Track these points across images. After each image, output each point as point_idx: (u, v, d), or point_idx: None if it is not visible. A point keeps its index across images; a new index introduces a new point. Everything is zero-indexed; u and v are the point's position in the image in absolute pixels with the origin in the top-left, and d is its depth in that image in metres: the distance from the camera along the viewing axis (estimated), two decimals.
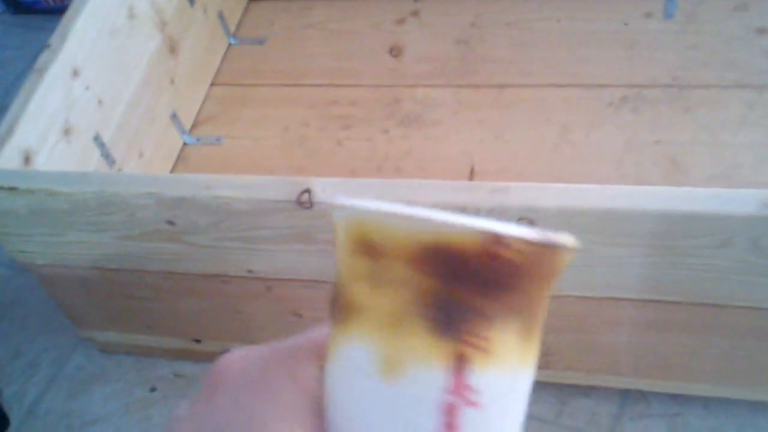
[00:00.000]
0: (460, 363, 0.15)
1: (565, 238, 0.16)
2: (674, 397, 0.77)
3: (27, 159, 0.75)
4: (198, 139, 1.04)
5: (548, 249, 0.15)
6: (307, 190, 0.63)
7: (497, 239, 0.15)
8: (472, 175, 0.93)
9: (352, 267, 0.17)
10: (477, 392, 0.16)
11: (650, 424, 0.76)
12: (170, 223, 0.67)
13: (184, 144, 1.04)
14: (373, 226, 0.16)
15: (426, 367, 0.16)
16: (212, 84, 1.11)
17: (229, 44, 1.16)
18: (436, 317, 0.15)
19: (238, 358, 0.19)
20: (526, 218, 0.61)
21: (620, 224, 0.58)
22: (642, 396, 0.78)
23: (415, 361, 0.16)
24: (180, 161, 1.03)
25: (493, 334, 0.16)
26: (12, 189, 0.68)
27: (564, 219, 0.59)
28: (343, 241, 0.17)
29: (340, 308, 0.17)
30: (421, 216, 0.15)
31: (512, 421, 0.17)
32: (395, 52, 1.10)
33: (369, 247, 0.16)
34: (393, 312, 0.16)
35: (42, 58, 0.80)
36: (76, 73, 0.83)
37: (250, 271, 0.71)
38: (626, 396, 0.78)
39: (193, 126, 1.06)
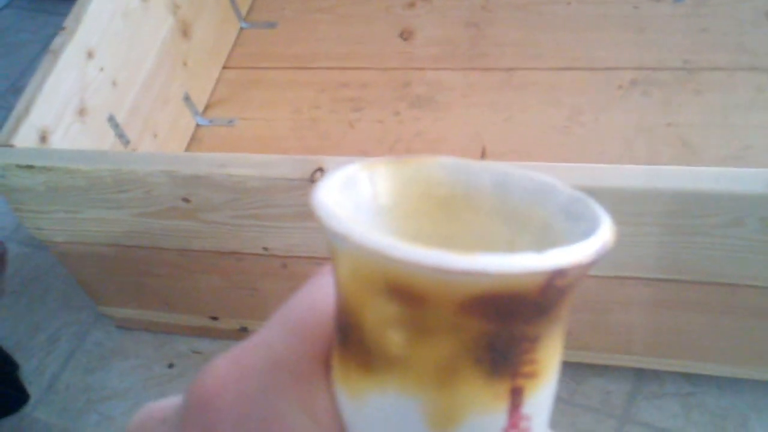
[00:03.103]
0: (515, 397, 0.14)
1: (610, 232, 0.14)
2: (688, 377, 0.77)
3: (43, 138, 0.76)
4: (211, 121, 1.05)
5: (602, 257, 0.14)
6: (320, 169, 0.64)
7: (561, 273, 0.13)
8: (483, 156, 0.94)
9: (380, 312, 0.14)
10: (529, 418, 0.14)
11: (664, 404, 0.77)
12: (186, 200, 0.68)
13: (197, 125, 1.05)
14: (408, 273, 0.13)
15: (484, 413, 0.14)
16: (224, 67, 1.12)
17: (241, 28, 1.17)
18: (490, 359, 0.14)
19: (231, 380, 0.15)
20: None
21: (632, 204, 0.59)
22: (656, 375, 0.78)
23: (471, 410, 0.14)
24: (193, 142, 1.03)
25: (540, 355, 0.14)
26: (29, 167, 0.69)
27: None
28: (359, 279, 0.14)
29: (364, 352, 0.14)
30: (472, 268, 0.12)
31: (546, 423, 0.16)
32: (406, 35, 1.10)
33: (403, 293, 0.13)
34: (442, 362, 0.14)
35: (57, 40, 0.80)
36: (90, 55, 0.83)
37: (265, 249, 0.72)
38: (640, 375, 0.79)
39: (206, 108, 1.07)
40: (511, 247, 0.17)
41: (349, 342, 0.15)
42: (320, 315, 0.16)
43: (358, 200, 0.16)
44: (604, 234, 0.14)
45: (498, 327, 0.13)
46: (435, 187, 0.17)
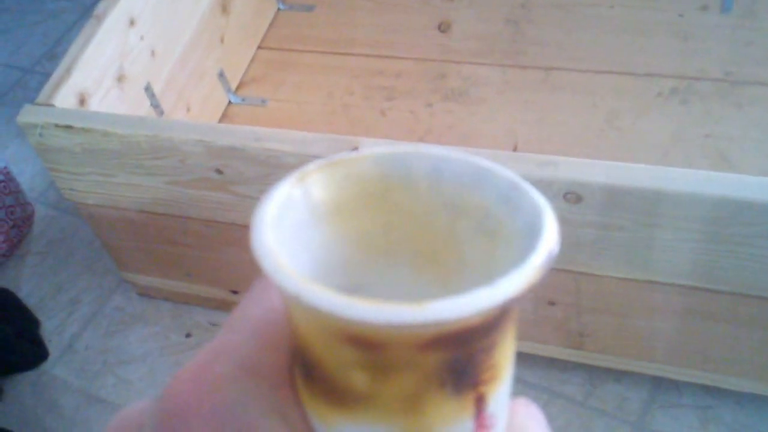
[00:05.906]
0: (479, 403, 0.15)
1: (553, 236, 0.14)
2: (707, 389, 0.76)
3: (82, 101, 0.76)
4: (243, 99, 1.05)
5: (551, 266, 0.14)
6: (356, 149, 0.63)
7: (513, 301, 0.13)
8: (515, 152, 0.93)
9: (339, 357, 0.14)
10: (493, 416, 0.15)
11: (680, 415, 0.76)
12: (218, 171, 0.68)
13: (229, 103, 1.05)
14: (363, 329, 0.13)
15: (453, 425, 0.15)
16: (259, 47, 1.12)
17: (278, 9, 1.17)
18: (452, 380, 0.14)
19: (204, 390, 0.15)
20: (573, 193, 0.61)
21: (670, 207, 0.58)
22: (674, 385, 0.77)
23: (441, 426, 0.15)
24: (224, 119, 1.03)
25: (496, 358, 0.15)
26: (68, 127, 0.69)
27: (611, 196, 0.58)
28: (315, 329, 0.14)
29: (329, 389, 0.15)
30: (425, 321, 0.13)
31: (507, 404, 0.16)
32: (444, 27, 1.10)
33: (361, 342, 0.14)
34: (408, 393, 0.14)
35: (101, 5, 0.81)
36: (132, 23, 0.84)
37: None
38: (658, 384, 0.78)
39: (239, 86, 1.07)
40: (451, 235, 0.17)
41: (312, 378, 0.15)
42: (279, 316, 0.16)
43: (296, 222, 0.16)
44: (548, 242, 0.14)
45: (456, 353, 0.14)
46: (370, 182, 0.17)
